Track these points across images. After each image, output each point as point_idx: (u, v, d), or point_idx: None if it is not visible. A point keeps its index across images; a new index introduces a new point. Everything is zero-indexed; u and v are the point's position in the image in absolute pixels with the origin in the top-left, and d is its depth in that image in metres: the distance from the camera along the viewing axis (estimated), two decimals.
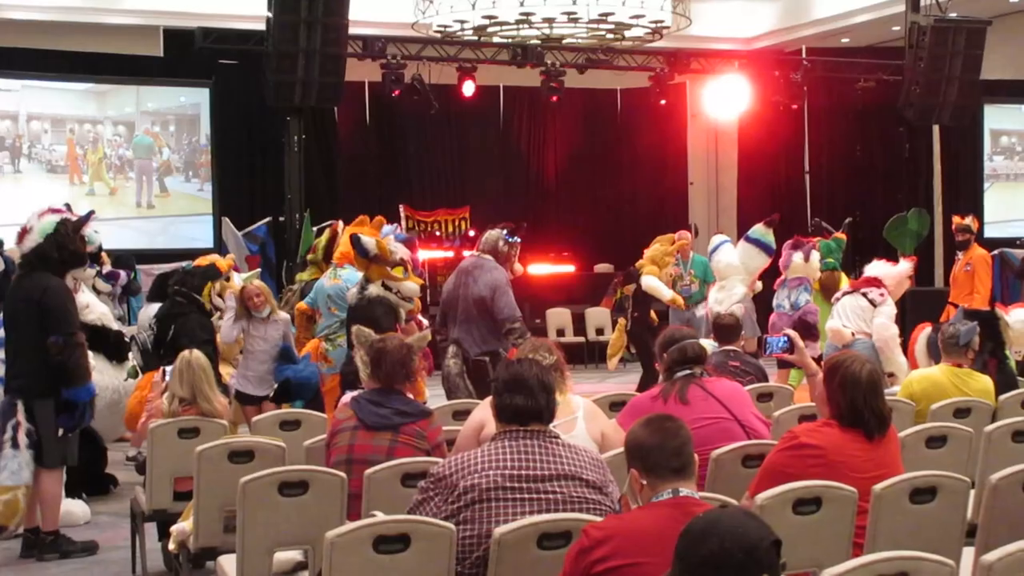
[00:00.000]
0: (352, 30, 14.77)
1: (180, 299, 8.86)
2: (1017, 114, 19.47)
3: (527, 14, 17.82)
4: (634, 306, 12.20)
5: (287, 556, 5.38)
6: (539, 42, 17.77)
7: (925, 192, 18.66)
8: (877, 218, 17.74)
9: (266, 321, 9.24)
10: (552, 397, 4.63)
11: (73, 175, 17.40)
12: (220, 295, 9.12)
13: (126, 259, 12.72)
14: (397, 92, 16.57)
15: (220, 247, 15.54)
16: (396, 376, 5.65)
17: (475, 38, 17.98)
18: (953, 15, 17.01)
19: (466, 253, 11.30)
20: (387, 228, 9.66)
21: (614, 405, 6.91)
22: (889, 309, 9.90)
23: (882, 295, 9.90)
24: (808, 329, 11.04)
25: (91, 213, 8.10)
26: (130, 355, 9.33)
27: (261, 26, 14.58)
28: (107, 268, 10.67)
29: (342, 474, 5.26)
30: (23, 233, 7.55)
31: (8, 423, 7.11)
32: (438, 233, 19.34)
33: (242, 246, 15.11)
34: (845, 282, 11.65)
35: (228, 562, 5.33)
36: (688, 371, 5.90)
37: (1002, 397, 7.16)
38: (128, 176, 17.72)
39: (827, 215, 18.34)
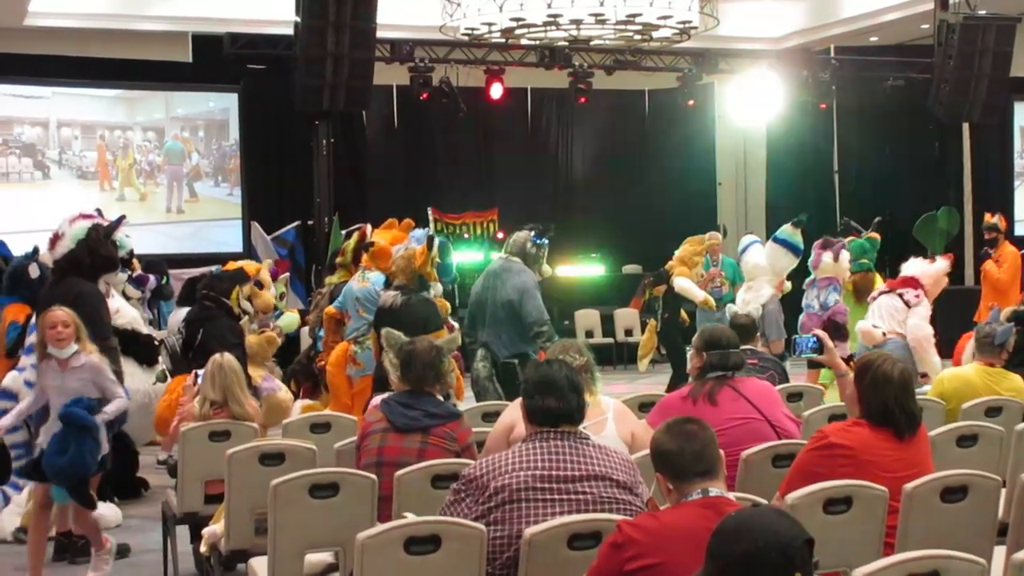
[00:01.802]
0: (380, 33, 14.80)
1: (209, 303, 8.82)
2: None
3: (554, 16, 17.80)
4: (664, 307, 12.19)
5: (318, 558, 5.40)
6: (567, 44, 17.76)
7: (955, 190, 18.58)
8: (907, 217, 17.66)
9: (65, 365, 6.77)
10: (582, 398, 4.65)
11: (103, 181, 17.51)
12: (249, 299, 9.05)
13: (157, 264, 12.76)
14: (425, 95, 16.61)
15: (249, 251, 15.60)
16: (426, 378, 5.68)
17: (503, 40, 17.98)
18: (982, 12, 16.93)
19: (494, 255, 11.28)
20: (418, 232, 9.72)
21: (644, 406, 6.91)
22: (923, 310, 9.88)
23: (917, 296, 9.87)
24: (838, 329, 11.02)
25: (122, 218, 8.18)
26: (159, 359, 9.35)
27: (289, 31, 14.64)
28: (136, 272, 10.68)
29: (373, 476, 5.28)
30: (55, 239, 7.63)
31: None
32: (467, 236, 19.36)
33: (271, 250, 15.15)
34: (879, 282, 11.61)
35: (260, 564, 5.36)
36: (720, 372, 5.90)
37: None
38: (158, 182, 17.81)
39: (857, 215, 18.23)
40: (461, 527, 4.29)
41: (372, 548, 4.18)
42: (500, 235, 19.22)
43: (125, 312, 9.09)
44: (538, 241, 9.71)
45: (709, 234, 13.89)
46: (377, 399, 5.90)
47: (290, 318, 9.97)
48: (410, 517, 4.81)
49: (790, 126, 19.53)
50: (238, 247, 16.99)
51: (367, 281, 9.42)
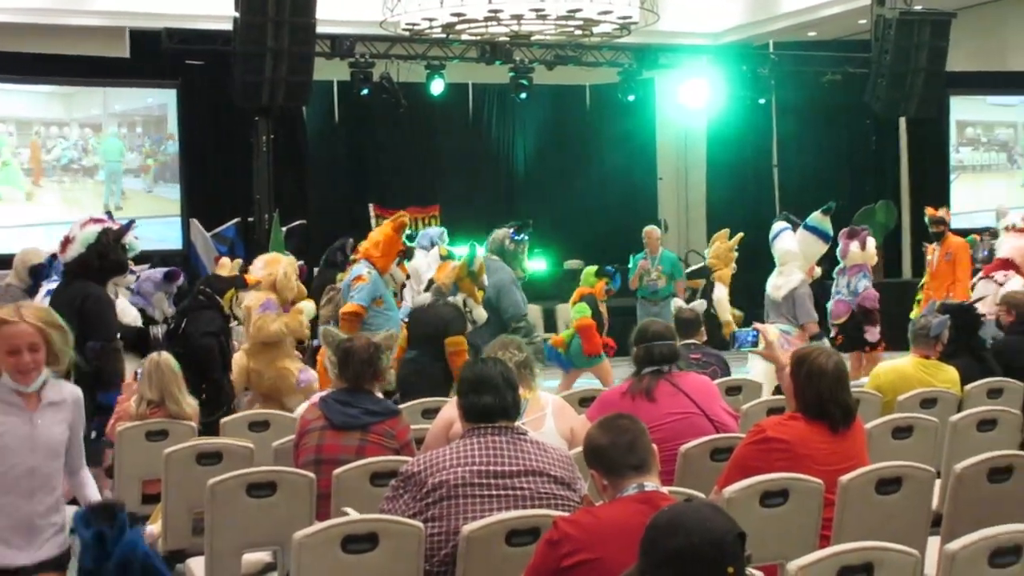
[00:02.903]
0: (319, 29, 14.73)
1: (202, 297, 8.89)
2: (982, 105, 19.59)
3: (495, 11, 17.78)
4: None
5: (256, 557, 5.38)
6: (507, 39, 17.75)
7: (892, 184, 18.76)
8: (845, 210, 17.79)
9: (35, 402, 4.40)
10: (517, 394, 4.68)
11: (38, 177, 17.29)
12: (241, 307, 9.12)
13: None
14: (366, 91, 16.56)
15: (188, 248, 15.49)
16: (364, 376, 5.67)
17: (443, 36, 17.94)
18: (918, 7, 17.10)
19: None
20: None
21: (583, 401, 6.93)
22: (1014, 284, 10.50)
23: (1006, 275, 10.69)
24: (867, 314, 11.49)
25: (132, 222, 8.27)
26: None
27: (228, 26, 14.54)
28: (169, 268, 10.65)
29: (311, 474, 5.26)
30: (65, 243, 7.74)
31: None
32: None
33: (211, 247, 15.05)
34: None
35: (197, 564, 5.33)
36: (656, 367, 5.92)
37: (968, 387, 7.21)
38: (95, 178, 17.62)
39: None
40: (399, 525, 4.29)
41: (309, 547, 4.17)
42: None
43: (127, 311, 9.11)
44: (516, 238, 9.80)
45: (646, 230, 13.97)
46: (315, 397, 5.88)
47: (310, 305, 9.86)
48: (351, 512, 4.81)
49: (730, 121, 19.64)
50: (177, 244, 16.86)
51: (354, 276, 9.33)
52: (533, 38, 18.25)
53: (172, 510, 5.77)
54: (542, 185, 21.00)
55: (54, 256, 9.20)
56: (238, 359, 9.06)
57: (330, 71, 17.17)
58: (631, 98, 18.42)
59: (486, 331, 9.33)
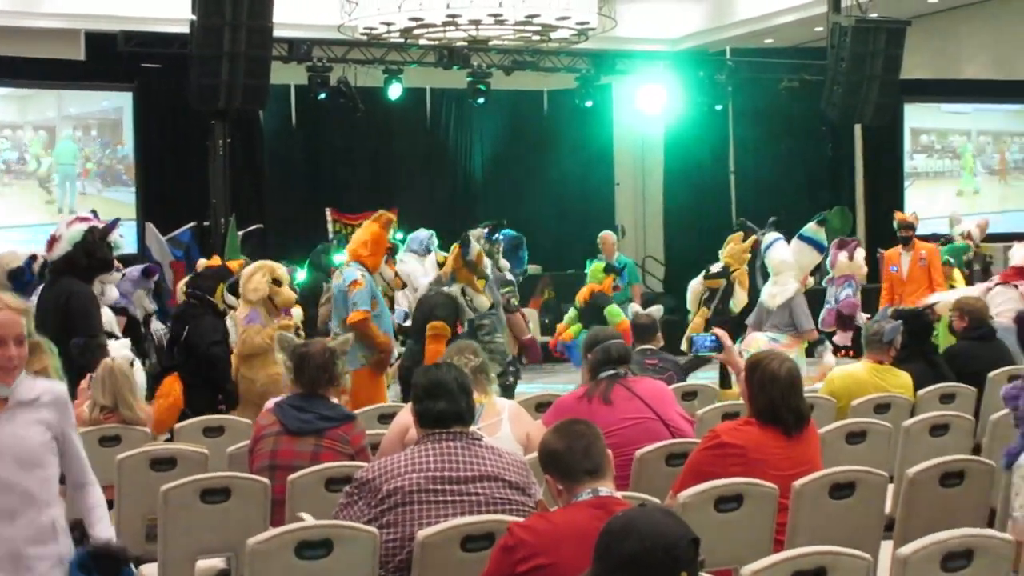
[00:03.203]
0: (277, 32, 14.66)
1: (194, 300, 8.89)
2: (936, 113, 19.75)
3: (453, 16, 17.79)
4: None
5: (210, 564, 5.35)
6: (465, 44, 17.76)
7: (847, 190, 18.88)
8: (801, 216, 17.85)
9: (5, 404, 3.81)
10: (471, 399, 4.69)
11: None
12: (233, 293, 9.03)
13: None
14: (323, 95, 16.51)
15: (144, 253, 15.36)
16: (319, 381, 5.65)
17: (401, 40, 17.93)
18: (874, 16, 17.21)
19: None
20: (423, 234, 9.83)
21: (540, 406, 6.94)
22: None
23: None
24: (843, 321, 11.64)
25: (117, 220, 8.41)
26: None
27: (185, 29, 14.45)
28: (146, 264, 10.61)
29: (265, 480, 5.24)
30: (52, 241, 7.84)
31: None
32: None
33: (166, 252, 14.95)
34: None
35: (150, 571, 5.29)
36: (612, 371, 5.94)
37: (920, 392, 7.27)
38: (50, 181, 17.48)
39: (752, 214, 18.43)
40: (353, 531, 4.28)
41: (263, 554, 4.15)
42: (399, 235, 19.15)
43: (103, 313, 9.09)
44: (491, 238, 9.88)
45: (601, 236, 14.00)
46: (271, 402, 5.86)
47: (298, 312, 9.84)
48: (307, 517, 4.79)
49: (687, 127, 19.71)
50: (132, 248, 16.69)
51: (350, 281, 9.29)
52: (491, 43, 18.27)
53: (125, 516, 5.72)
54: (499, 190, 20.99)
55: (32, 258, 9.32)
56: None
57: (287, 75, 17.10)
58: (588, 104, 18.43)
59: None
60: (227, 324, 8.97)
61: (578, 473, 3.81)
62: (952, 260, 13.14)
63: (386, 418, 6.71)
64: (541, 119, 21.97)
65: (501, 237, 10.03)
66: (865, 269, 12.67)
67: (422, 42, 18.05)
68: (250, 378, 8.73)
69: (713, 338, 6.07)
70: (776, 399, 4.87)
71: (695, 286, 12.18)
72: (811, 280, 11.50)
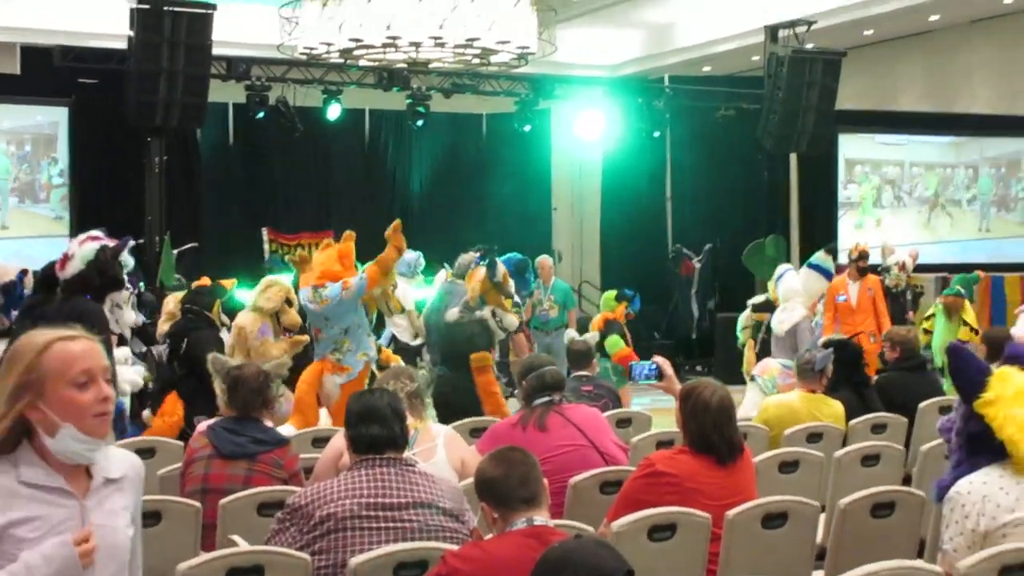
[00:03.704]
0: (216, 50, 14.57)
1: (192, 316, 9.12)
2: (870, 143, 19.98)
3: (394, 38, 17.77)
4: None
5: None
6: (405, 65, 17.75)
7: (783, 219, 19.03)
8: (736, 244, 18.04)
9: (83, 480, 2.93)
10: (405, 425, 4.67)
11: None
12: (227, 311, 9.41)
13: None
14: (261, 114, 16.43)
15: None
16: (252, 404, 5.62)
17: (341, 61, 17.89)
18: (810, 47, 17.39)
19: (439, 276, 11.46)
20: (410, 256, 9.89)
21: (474, 431, 6.92)
22: None
23: None
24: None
25: (127, 239, 8.43)
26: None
27: (123, 45, 14.34)
28: None
29: (196, 504, 5.18)
30: (64, 260, 7.95)
31: None
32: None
33: None
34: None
35: None
36: (547, 398, 5.95)
37: (852, 422, 7.33)
38: None
39: (688, 241, 18.67)
40: (285, 557, 4.24)
41: None
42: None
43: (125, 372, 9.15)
44: (481, 263, 9.93)
45: (539, 260, 14.01)
46: (203, 425, 5.81)
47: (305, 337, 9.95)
48: (239, 542, 4.75)
49: (625, 152, 19.81)
50: (27, 266, 16.50)
51: (327, 299, 9.26)
52: (431, 65, 18.27)
53: None
54: (437, 213, 21.00)
55: (23, 272, 9.36)
56: None
57: (226, 93, 17.02)
58: (527, 128, 18.47)
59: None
60: (224, 339, 9.19)
61: (514, 501, 3.80)
62: (963, 291, 13.28)
63: (320, 442, 6.67)
64: (480, 142, 22.02)
65: (501, 266, 10.24)
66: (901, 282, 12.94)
67: (362, 63, 18.02)
68: None
69: (653, 366, 6.08)
70: (708, 428, 4.89)
71: (743, 319, 12.43)
72: (819, 308, 11.73)
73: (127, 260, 8.46)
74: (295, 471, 5.54)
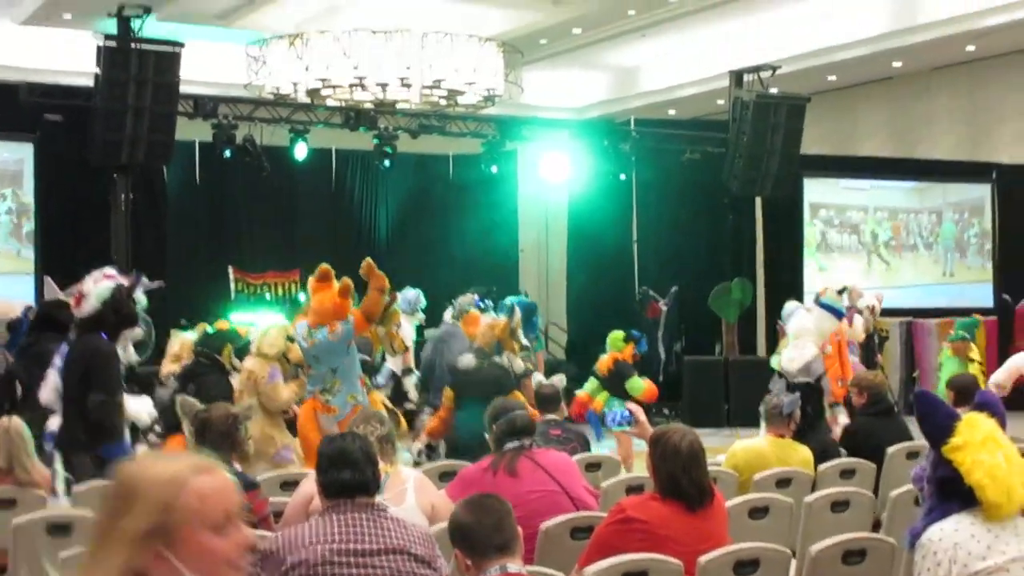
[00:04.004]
0: (183, 89, 14.56)
1: (202, 359, 9.25)
2: (834, 188, 20.13)
3: (361, 78, 17.84)
4: None
5: None
6: (372, 106, 17.79)
7: (748, 262, 19.13)
8: (702, 287, 18.12)
9: None
10: (377, 469, 4.64)
11: None
12: (239, 356, 9.49)
13: None
14: (228, 153, 16.39)
15: None
16: (221, 447, 5.58)
17: (308, 100, 17.92)
18: (774, 91, 17.54)
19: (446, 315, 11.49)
20: (411, 294, 9.93)
21: (444, 475, 6.90)
22: None
23: None
24: None
25: (141, 276, 8.55)
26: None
27: (90, 82, 14.31)
28: None
29: None
30: (79, 298, 7.99)
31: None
32: (267, 296, 19.11)
33: None
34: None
35: None
36: (517, 443, 5.93)
37: (821, 467, 7.35)
38: None
39: (654, 283, 18.70)
40: None
41: None
42: (302, 296, 19.02)
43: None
44: (481, 304, 10.06)
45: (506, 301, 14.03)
46: None
47: None
48: None
49: (591, 195, 19.87)
50: (31, 302, 16.40)
51: (314, 339, 9.26)
52: (398, 106, 18.32)
53: None
54: (404, 253, 20.98)
55: (28, 309, 9.73)
56: None
57: (192, 131, 16.97)
58: (494, 169, 18.50)
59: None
60: (232, 383, 9.29)
61: (488, 549, 3.79)
62: (967, 335, 13.53)
63: (288, 485, 6.63)
64: (446, 183, 22.05)
65: (491, 303, 10.44)
66: (863, 336, 12.95)
67: (329, 103, 18.06)
68: (268, 435, 9.05)
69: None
70: (677, 473, 4.88)
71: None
72: (829, 348, 11.85)
73: (139, 298, 8.53)
74: (264, 515, 5.50)
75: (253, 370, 9.37)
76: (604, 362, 11.72)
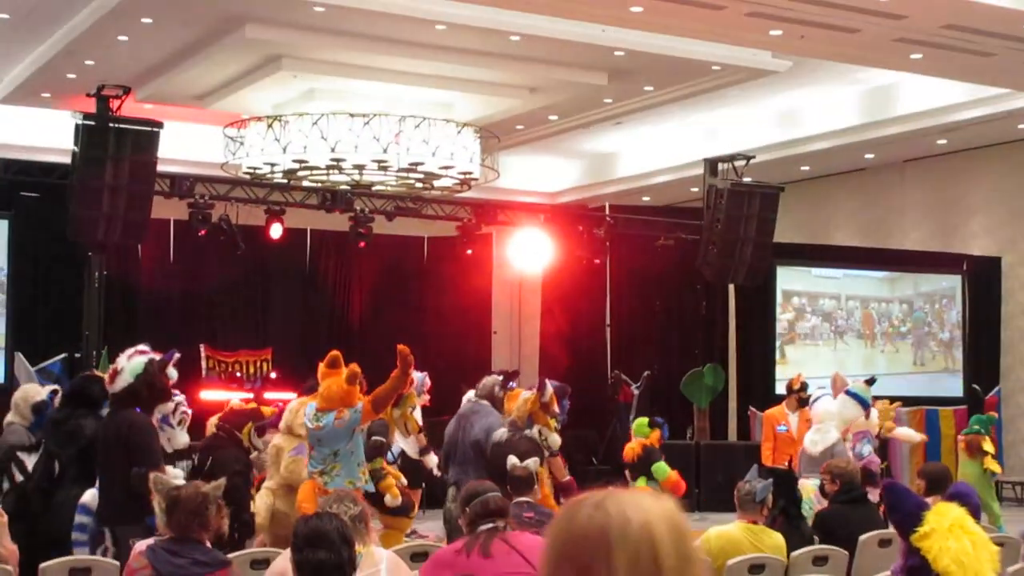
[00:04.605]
0: (160, 167, 14.55)
1: (222, 434, 9.42)
2: (807, 276, 20.25)
3: (338, 159, 17.94)
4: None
5: None
6: (348, 188, 17.85)
7: (720, 348, 19.19)
8: (674, 372, 18.15)
9: None
10: (353, 550, 4.62)
11: None
12: (260, 435, 9.71)
13: None
14: (203, 232, 16.37)
15: (11, 382, 15.01)
16: (190, 526, 5.55)
17: (284, 181, 17.98)
18: (748, 180, 17.69)
19: (465, 398, 11.54)
20: (416, 375, 10.77)
21: (416, 556, 6.86)
22: None
23: None
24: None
25: (173, 352, 8.65)
26: None
27: (67, 159, 14.33)
28: None
29: None
30: (113, 374, 8.24)
31: (98, 549, 7.82)
32: (239, 374, 19.05)
33: (35, 382, 14.61)
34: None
35: None
36: (491, 524, 5.91)
37: (794, 554, 7.34)
38: None
39: (627, 368, 18.73)
40: None
41: None
42: (273, 374, 18.98)
43: (177, 438, 9.48)
44: (506, 387, 10.38)
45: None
46: (142, 545, 5.71)
47: None
48: None
49: (565, 279, 19.96)
50: (53, 384, 16.29)
51: (320, 423, 9.23)
52: (374, 188, 18.39)
53: None
54: (376, 333, 20.92)
55: (54, 392, 9.83)
56: (263, 498, 9.36)
57: (168, 209, 16.97)
58: (469, 251, 18.58)
59: (474, 472, 9.88)
60: (250, 459, 9.47)
61: None
62: (982, 429, 13.62)
63: (259, 564, 6.59)
64: (421, 264, 22.10)
65: (514, 385, 10.70)
66: (877, 428, 13.10)
67: (305, 184, 18.12)
68: (285, 512, 9.12)
69: None
70: None
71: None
72: (851, 436, 12.00)
73: (170, 372, 8.67)
74: None
75: (281, 447, 9.52)
76: (633, 448, 11.87)
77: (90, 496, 8.38)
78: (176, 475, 8.37)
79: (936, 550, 5.31)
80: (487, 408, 10.45)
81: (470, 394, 11.58)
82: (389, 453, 11.86)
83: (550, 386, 10.04)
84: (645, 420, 12.29)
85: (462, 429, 10.49)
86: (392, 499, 9.81)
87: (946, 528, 5.36)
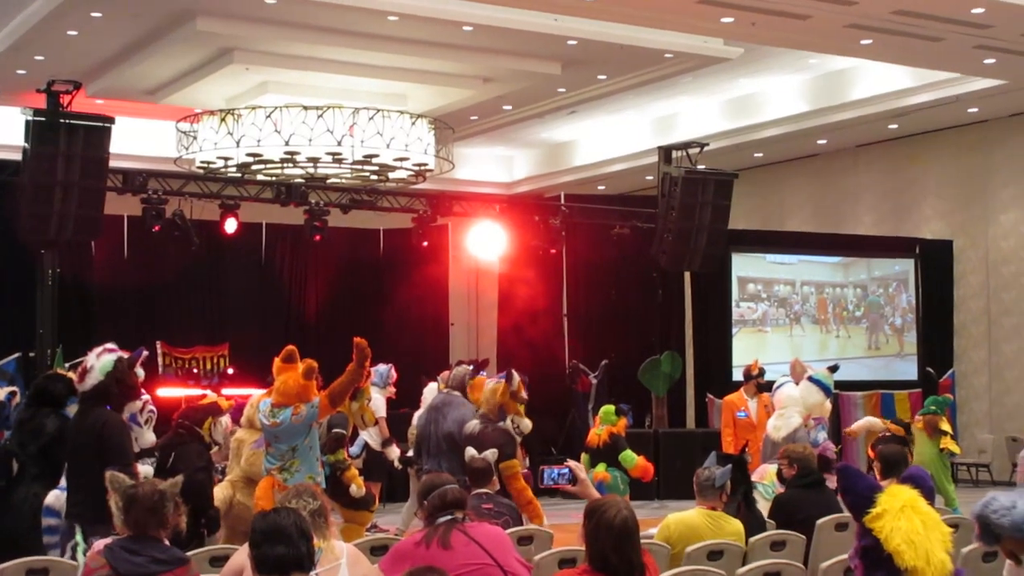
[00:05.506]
0: (112, 163, 14.44)
1: (182, 431, 9.21)
2: (762, 263, 20.33)
3: (292, 153, 17.87)
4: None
5: None
6: (303, 181, 17.79)
7: (677, 336, 19.26)
8: (632, 360, 18.20)
9: None
10: (311, 544, 4.61)
11: None
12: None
13: None
14: (157, 227, 16.24)
15: None
16: (147, 523, 5.51)
17: (239, 175, 17.90)
18: (702, 167, 17.76)
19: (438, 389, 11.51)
20: (382, 368, 11.23)
21: (375, 549, 6.86)
22: None
23: None
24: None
25: (142, 350, 8.59)
26: None
27: (17, 156, 14.20)
28: None
29: None
30: (83, 372, 8.16)
31: (68, 544, 7.73)
32: (195, 370, 18.97)
33: None
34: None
35: None
36: (450, 516, 5.92)
37: (752, 539, 7.37)
38: None
39: (584, 357, 18.77)
40: None
41: None
42: (230, 370, 18.91)
43: (144, 436, 9.30)
44: (477, 375, 10.33)
45: (442, 375, 14.03)
46: (100, 544, 5.68)
47: None
48: None
49: (522, 269, 19.96)
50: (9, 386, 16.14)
51: (277, 419, 9.16)
52: (329, 181, 18.34)
53: None
54: (333, 326, 20.88)
55: (12, 394, 9.94)
56: (223, 490, 9.35)
57: (121, 205, 16.87)
58: (425, 243, 18.54)
59: (446, 464, 10.03)
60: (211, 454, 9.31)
61: None
62: (939, 410, 13.66)
63: (217, 561, 6.56)
64: (377, 257, 22.06)
65: (483, 375, 10.79)
66: (828, 412, 13.22)
67: (259, 177, 18.05)
68: (244, 504, 9.13)
69: (566, 470, 6.15)
70: (607, 549, 4.87)
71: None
72: (812, 422, 12.04)
73: (139, 371, 8.62)
74: None
75: (242, 438, 9.54)
76: (599, 436, 12.00)
77: (53, 498, 8.32)
78: (147, 473, 8.38)
79: (888, 530, 5.37)
80: (459, 399, 10.51)
81: (432, 385, 11.62)
82: (355, 446, 11.89)
83: (516, 376, 10.06)
84: (612, 408, 12.43)
85: (434, 421, 10.49)
86: (357, 489, 9.81)
87: (898, 509, 5.42)
